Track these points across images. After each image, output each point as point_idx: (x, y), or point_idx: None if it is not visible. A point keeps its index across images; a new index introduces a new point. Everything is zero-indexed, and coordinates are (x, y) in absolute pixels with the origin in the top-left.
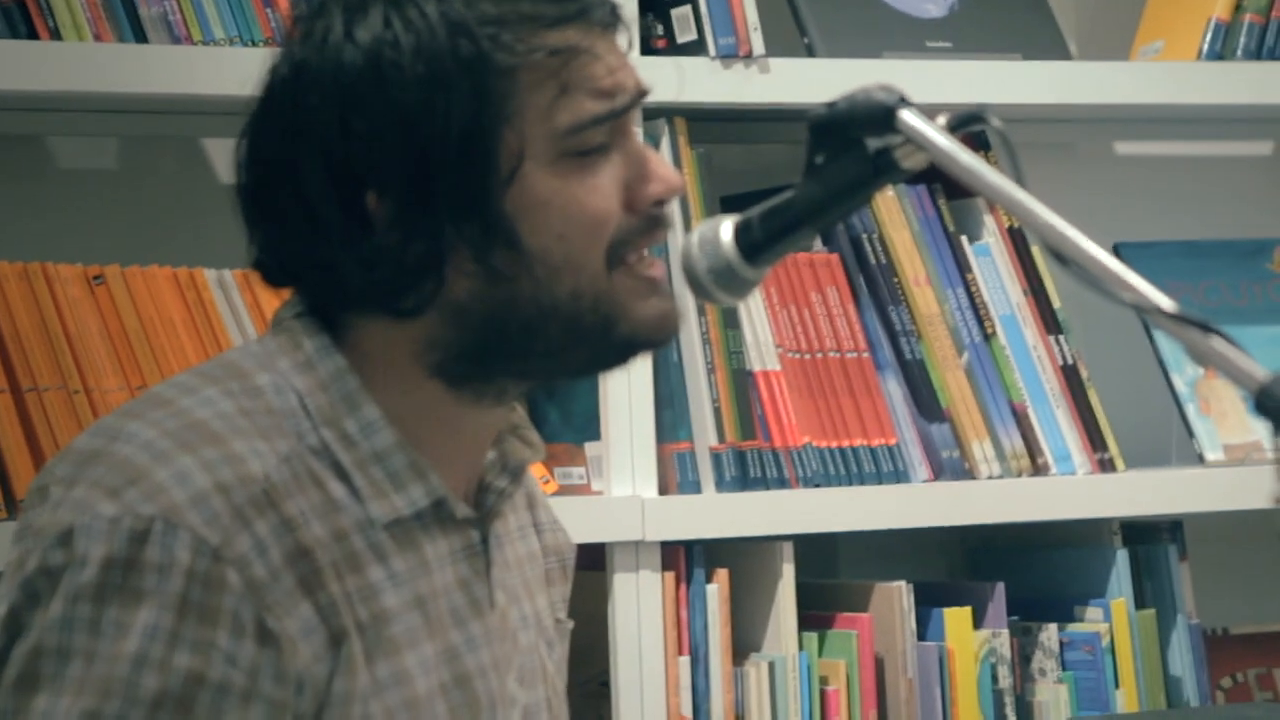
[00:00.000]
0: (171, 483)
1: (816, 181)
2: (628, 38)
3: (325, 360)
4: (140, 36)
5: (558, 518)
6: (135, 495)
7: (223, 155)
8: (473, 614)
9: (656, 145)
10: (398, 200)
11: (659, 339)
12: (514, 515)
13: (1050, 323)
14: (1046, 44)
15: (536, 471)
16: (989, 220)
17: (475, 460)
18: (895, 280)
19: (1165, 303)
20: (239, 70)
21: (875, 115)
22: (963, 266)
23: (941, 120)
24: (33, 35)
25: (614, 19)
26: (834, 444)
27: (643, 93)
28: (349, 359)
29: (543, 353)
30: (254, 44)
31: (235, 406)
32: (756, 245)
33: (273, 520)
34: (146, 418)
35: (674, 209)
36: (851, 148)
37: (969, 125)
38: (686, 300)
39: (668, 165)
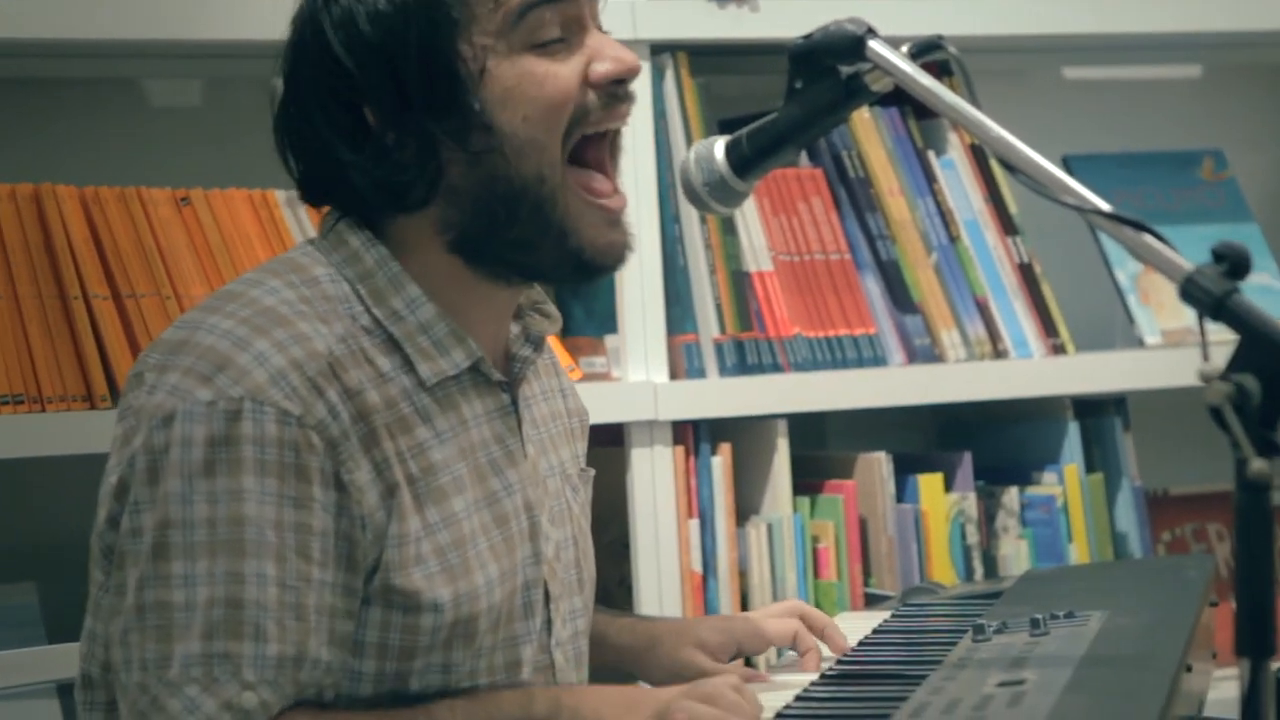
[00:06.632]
0: (253, 365)
1: (796, 104)
2: None
3: (370, 250)
4: None
5: (573, 384)
6: (225, 380)
7: None
8: (508, 463)
9: (661, 77)
10: (386, 109)
11: (607, 263)
12: (538, 381)
13: (1008, 226)
14: None
15: (562, 361)
16: (953, 138)
17: (501, 330)
18: (872, 191)
19: (1102, 204)
20: None
21: (846, 45)
22: (930, 178)
23: (905, 48)
24: None
25: None
26: (821, 334)
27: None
28: (389, 249)
29: (520, 241)
30: None
31: (297, 295)
32: (745, 161)
33: (338, 388)
34: (223, 310)
35: (632, 88)
36: (826, 74)
37: (928, 53)
38: (700, 214)
39: (622, 49)
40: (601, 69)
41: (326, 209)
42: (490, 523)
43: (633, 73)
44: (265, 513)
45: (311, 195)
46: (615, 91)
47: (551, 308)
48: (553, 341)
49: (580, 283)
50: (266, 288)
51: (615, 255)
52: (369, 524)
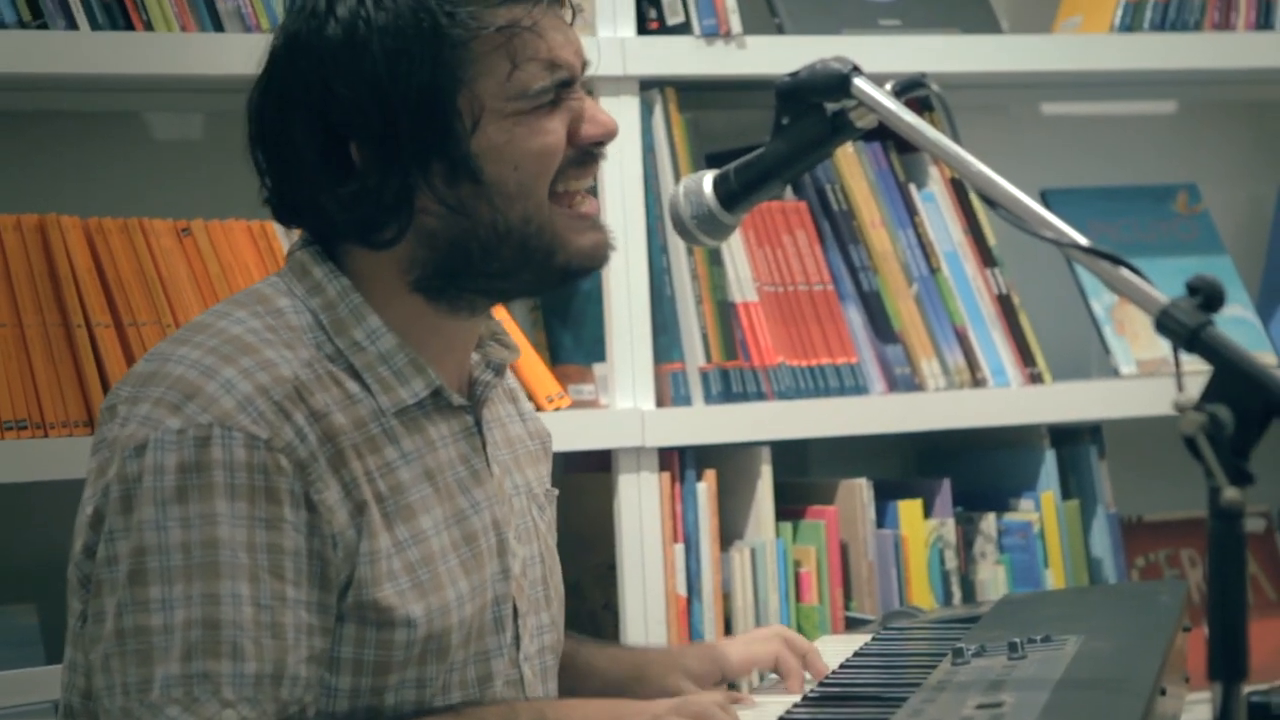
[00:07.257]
0: (220, 392)
1: (783, 140)
2: (573, 13)
3: (333, 282)
4: (219, 27)
5: (534, 409)
6: (194, 408)
7: None
8: (474, 483)
9: (650, 112)
10: (374, 149)
11: (592, 265)
12: (500, 406)
13: (987, 258)
14: (981, 20)
15: (550, 389)
16: (934, 171)
17: (462, 361)
18: (854, 223)
19: (1079, 238)
20: None
21: (831, 82)
22: (912, 211)
23: (888, 86)
24: (129, 27)
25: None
26: (804, 363)
27: (585, 65)
28: (350, 281)
29: (498, 273)
30: None
31: (263, 324)
32: (733, 195)
33: (304, 411)
34: (191, 341)
35: (610, 149)
36: (812, 111)
37: (911, 90)
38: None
39: (605, 113)
40: (588, 130)
41: (297, 236)
42: (459, 539)
43: (613, 136)
44: (237, 535)
45: (282, 215)
46: (593, 151)
47: (510, 338)
48: (542, 369)
49: (562, 288)
50: (233, 318)
51: (600, 255)
52: (340, 542)
